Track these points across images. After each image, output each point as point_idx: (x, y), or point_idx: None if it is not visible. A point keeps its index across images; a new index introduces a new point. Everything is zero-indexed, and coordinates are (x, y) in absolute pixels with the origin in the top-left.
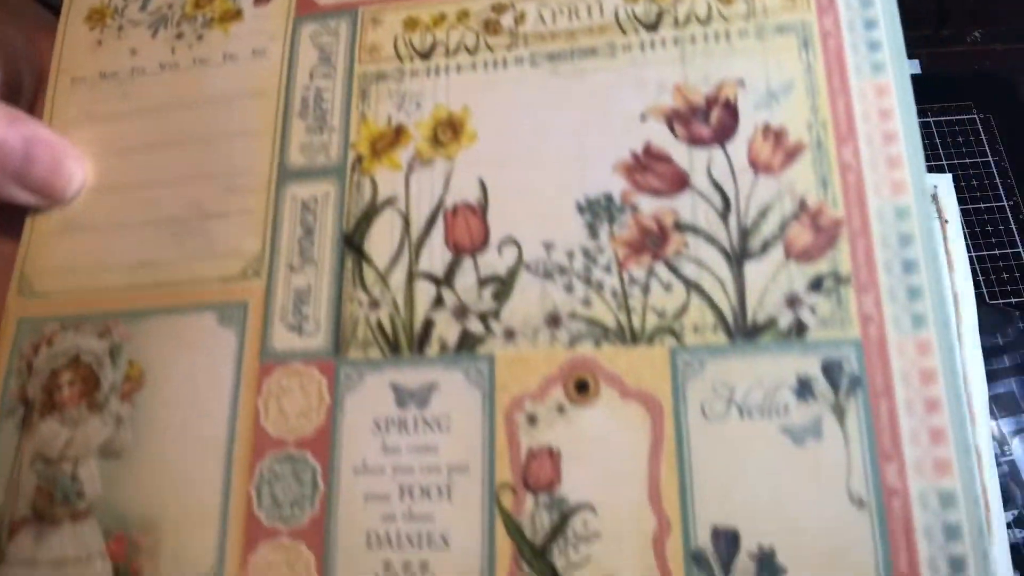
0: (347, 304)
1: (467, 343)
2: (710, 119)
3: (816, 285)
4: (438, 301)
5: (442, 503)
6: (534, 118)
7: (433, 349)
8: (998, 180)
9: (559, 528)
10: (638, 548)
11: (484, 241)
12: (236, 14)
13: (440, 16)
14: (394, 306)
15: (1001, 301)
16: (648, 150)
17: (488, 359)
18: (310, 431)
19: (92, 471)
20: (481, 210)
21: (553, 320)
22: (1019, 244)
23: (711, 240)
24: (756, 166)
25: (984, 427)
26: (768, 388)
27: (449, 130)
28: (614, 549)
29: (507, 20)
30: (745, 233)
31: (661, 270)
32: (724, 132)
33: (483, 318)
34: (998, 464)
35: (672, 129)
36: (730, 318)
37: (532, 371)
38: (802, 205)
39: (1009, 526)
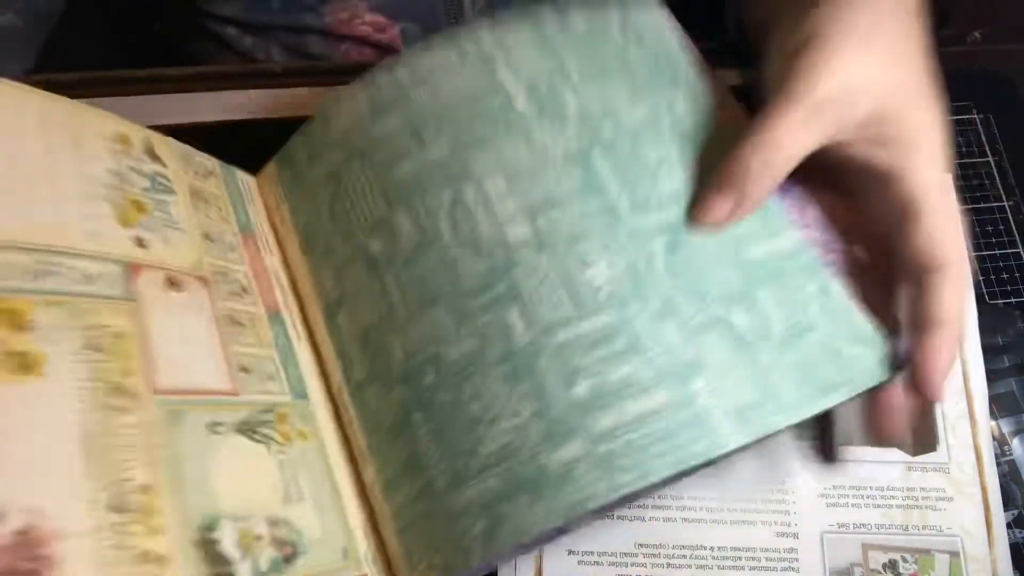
0: None
1: None
2: None
3: None
4: None
5: None
6: None
7: None
8: (998, 180)
9: None
10: None
11: None
12: None
13: None
14: None
15: (1001, 301)
16: None
17: None
18: None
19: None
20: None
21: None
22: (1019, 244)
23: None
24: None
25: (984, 427)
26: None
27: None
28: None
29: None
30: None
31: None
32: None
33: None
34: (998, 464)
35: None
36: None
37: None
38: None
39: (1009, 526)
